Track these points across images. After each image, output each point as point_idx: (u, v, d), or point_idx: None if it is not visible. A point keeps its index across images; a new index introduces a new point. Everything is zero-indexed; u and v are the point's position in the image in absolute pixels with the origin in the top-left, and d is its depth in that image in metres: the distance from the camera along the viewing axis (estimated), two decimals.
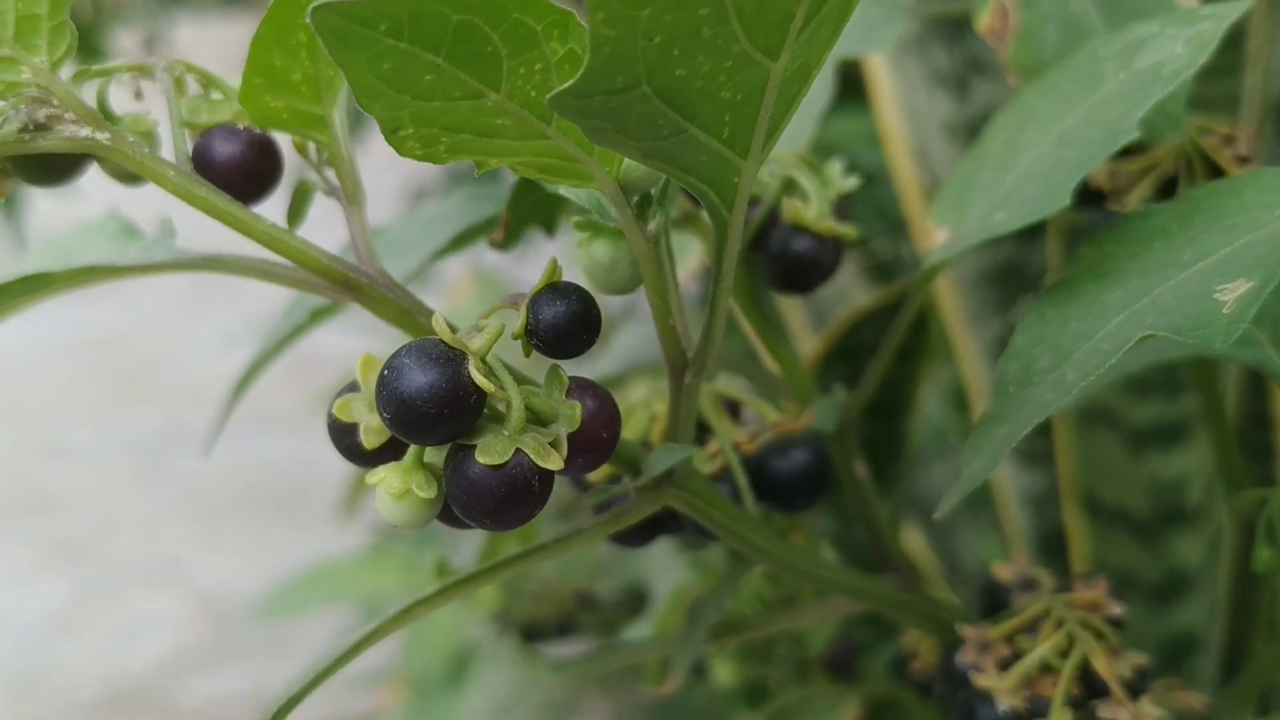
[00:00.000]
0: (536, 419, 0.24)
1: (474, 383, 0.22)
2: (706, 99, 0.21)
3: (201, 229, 0.29)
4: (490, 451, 0.23)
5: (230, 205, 0.24)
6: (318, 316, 0.33)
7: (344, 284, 0.25)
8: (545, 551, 0.28)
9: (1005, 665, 0.36)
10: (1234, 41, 0.55)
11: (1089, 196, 0.45)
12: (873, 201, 0.93)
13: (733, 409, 0.35)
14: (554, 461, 0.23)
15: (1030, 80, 0.37)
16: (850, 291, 0.79)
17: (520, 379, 0.24)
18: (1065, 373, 0.27)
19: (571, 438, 0.24)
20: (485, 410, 0.23)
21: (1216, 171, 0.44)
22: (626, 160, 0.24)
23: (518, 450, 0.23)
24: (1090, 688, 0.36)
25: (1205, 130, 0.44)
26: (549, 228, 0.33)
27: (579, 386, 0.24)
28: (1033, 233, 0.64)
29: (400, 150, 0.22)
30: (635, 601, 0.74)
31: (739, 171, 0.23)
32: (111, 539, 1.69)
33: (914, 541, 0.82)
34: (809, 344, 0.71)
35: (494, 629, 0.73)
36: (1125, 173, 0.44)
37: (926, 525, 0.85)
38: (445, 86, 0.20)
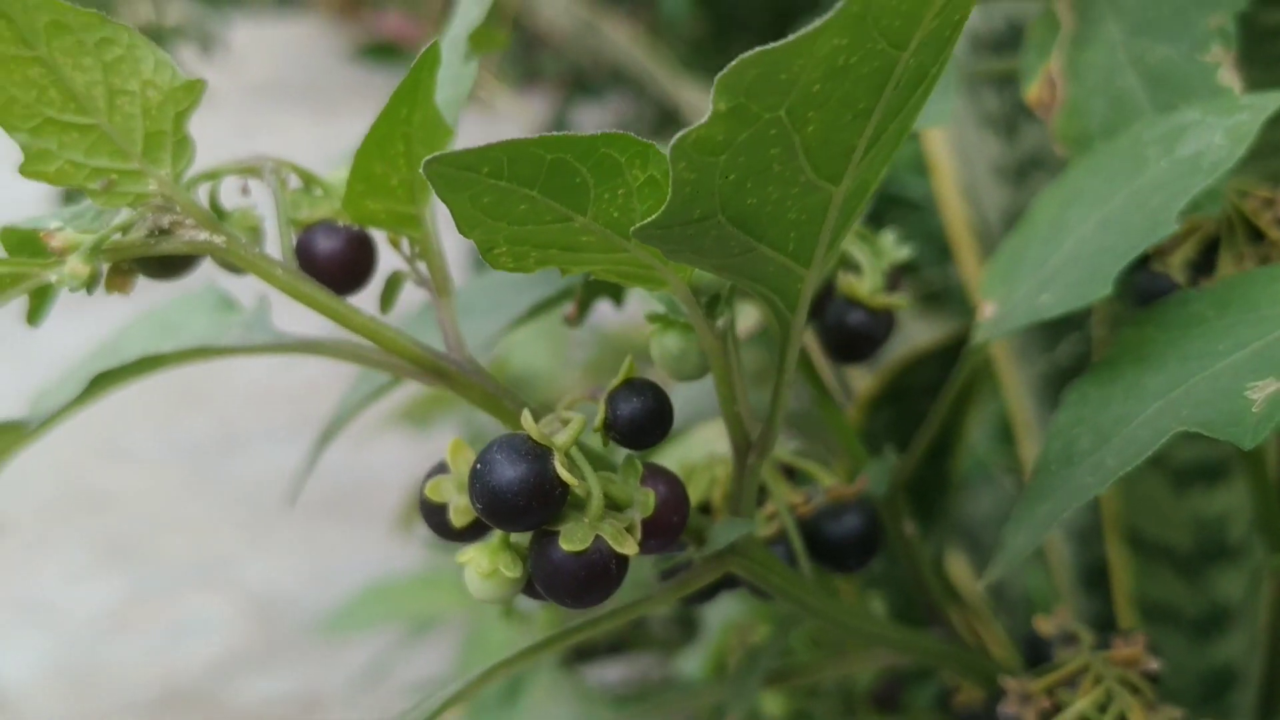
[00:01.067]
0: (613, 505, 0.26)
1: (559, 477, 0.24)
2: (774, 221, 0.23)
3: (291, 301, 0.32)
4: (573, 539, 0.25)
5: (332, 300, 0.26)
6: (380, 391, 0.36)
7: (434, 371, 0.27)
8: (616, 616, 0.30)
9: (1045, 717, 0.38)
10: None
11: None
12: (922, 228, 0.95)
13: (788, 470, 0.37)
14: (629, 547, 0.25)
15: (1078, 156, 0.38)
16: (903, 322, 0.80)
17: (598, 464, 0.26)
18: (1105, 457, 0.29)
19: (645, 522, 0.26)
20: (570, 499, 0.25)
21: (1257, 234, 0.45)
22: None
23: (597, 537, 0.25)
24: None
25: (1245, 193, 0.45)
26: (617, 299, 0.35)
27: (652, 474, 0.26)
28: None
29: (494, 265, 0.24)
30: (686, 625, 0.76)
31: (803, 279, 0.25)
32: (165, 540, 1.72)
33: (959, 570, 0.83)
34: (863, 382, 0.72)
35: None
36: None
37: (972, 554, 0.86)
38: (538, 213, 0.22)
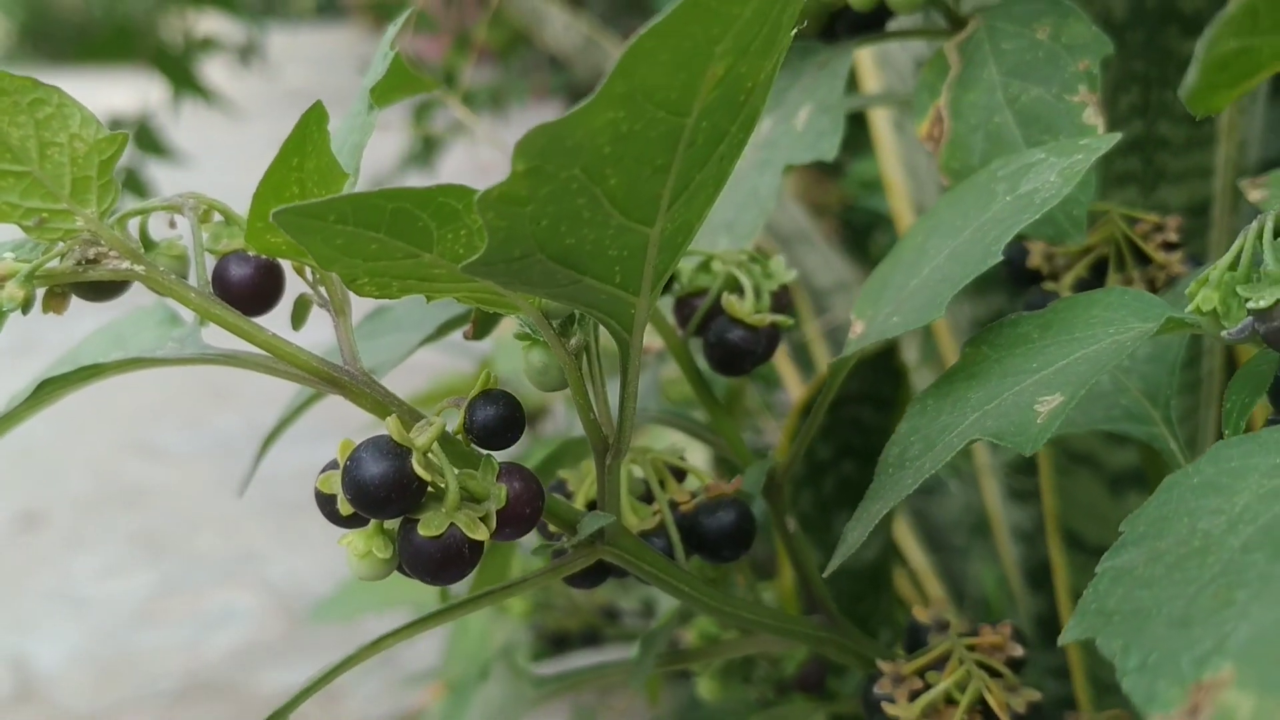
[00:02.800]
0: (471, 497, 0.30)
1: (415, 473, 0.28)
2: (596, 258, 0.27)
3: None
4: (429, 525, 0.29)
5: (239, 320, 0.31)
6: (307, 403, 0.40)
7: (330, 380, 0.32)
8: (509, 591, 0.34)
9: (916, 697, 0.41)
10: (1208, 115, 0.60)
11: (1029, 276, 0.50)
12: (891, 240, 0.99)
13: (679, 475, 0.41)
14: (481, 533, 0.29)
15: (953, 187, 0.42)
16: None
17: (465, 460, 0.30)
18: (925, 461, 0.33)
19: (500, 513, 0.30)
20: (431, 489, 0.30)
21: (1143, 257, 0.49)
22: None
23: (451, 525, 0.29)
24: (991, 717, 0.42)
25: (1135, 219, 0.49)
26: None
27: (508, 471, 0.30)
28: (1024, 282, 0.69)
29: (359, 293, 0.28)
30: (653, 615, 0.80)
31: (634, 305, 0.29)
32: (194, 535, 1.78)
33: (921, 565, 0.87)
34: (798, 392, 0.76)
35: (525, 637, 0.80)
36: (1061, 255, 0.49)
37: (935, 552, 0.90)
38: (388, 251, 0.26)
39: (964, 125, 0.44)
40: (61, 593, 1.65)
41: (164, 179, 1.57)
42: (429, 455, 0.29)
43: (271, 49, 2.31)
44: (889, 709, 0.40)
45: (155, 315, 0.37)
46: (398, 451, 0.28)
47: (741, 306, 0.39)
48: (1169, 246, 0.49)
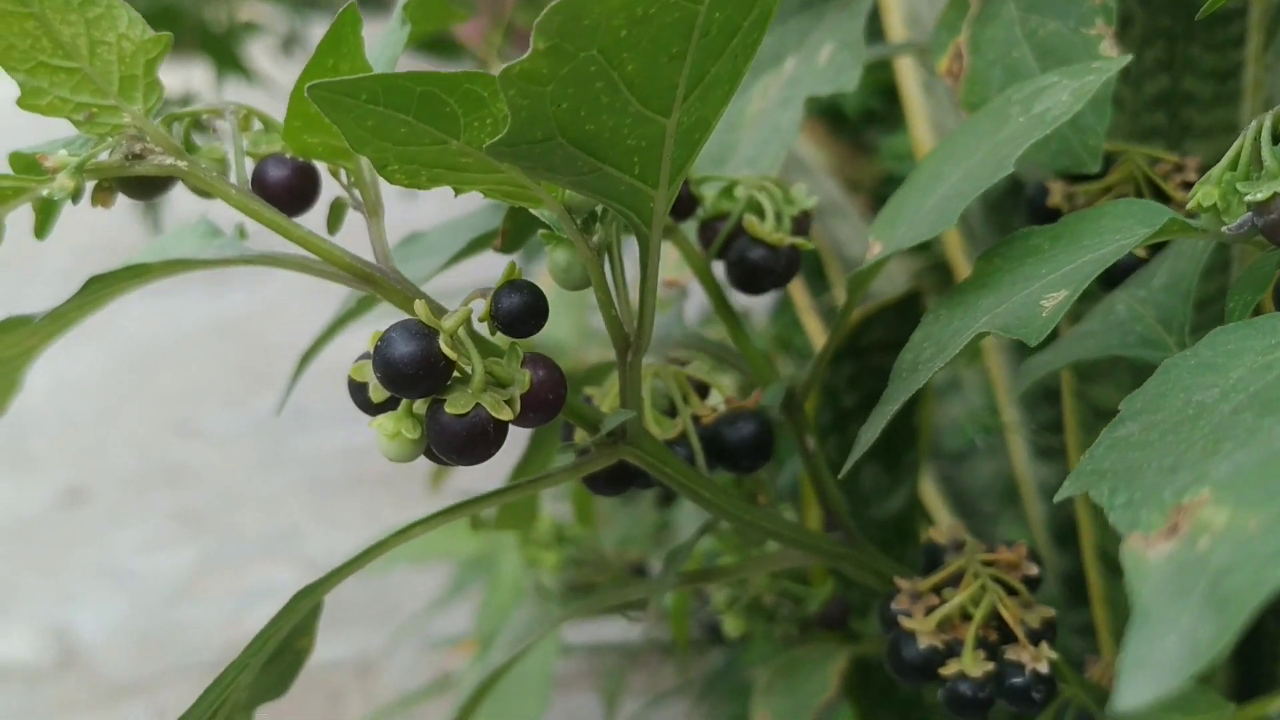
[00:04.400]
0: (497, 383, 0.31)
1: (442, 352, 0.30)
2: (614, 146, 0.29)
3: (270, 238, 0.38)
4: (456, 404, 0.30)
5: (276, 215, 0.32)
6: (363, 303, 0.42)
7: (363, 277, 0.33)
8: (535, 484, 0.35)
9: (932, 613, 0.42)
10: (1234, 71, 0.61)
11: (1049, 216, 0.51)
12: None
13: (703, 391, 0.42)
14: (506, 414, 0.31)
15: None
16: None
17: (488, 351, 0.32)
18: (937, 360, 0.34)
19: (524, 397, 0.31)
20: (458, 374, 0.31)
21: (1163, 197, 0.50)
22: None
23: (477, 405, 0.30)
24: (1006, 637, 0.43)
25: (1155, 159, 0.50)
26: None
27: (532, 359, 0.32)
28: (1044, 223, 0.70)
29: (390, 180, 0.29)
30: None
31: (653, 199, 0.30)
32: (234, 512, 1.81)
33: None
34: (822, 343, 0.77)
35: (555, 588, 0.81)
36: (1082, 194, 0.50)
37: (964, 518, 0.91)
38: (417, 136, 0.28)
39: (982, 60, 0.45)
40: (104, 567, 1.68)
41: None
42: (456, 337, 0.30)
43: (313, 38, 2.34)
44: (905, 622, 0.42)
45: (197, 229, 0.39)
46: (426, 332, 0.30)
47: (762, 226, 0.40)
48: (1188, 186, 0.50)
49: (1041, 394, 0.74)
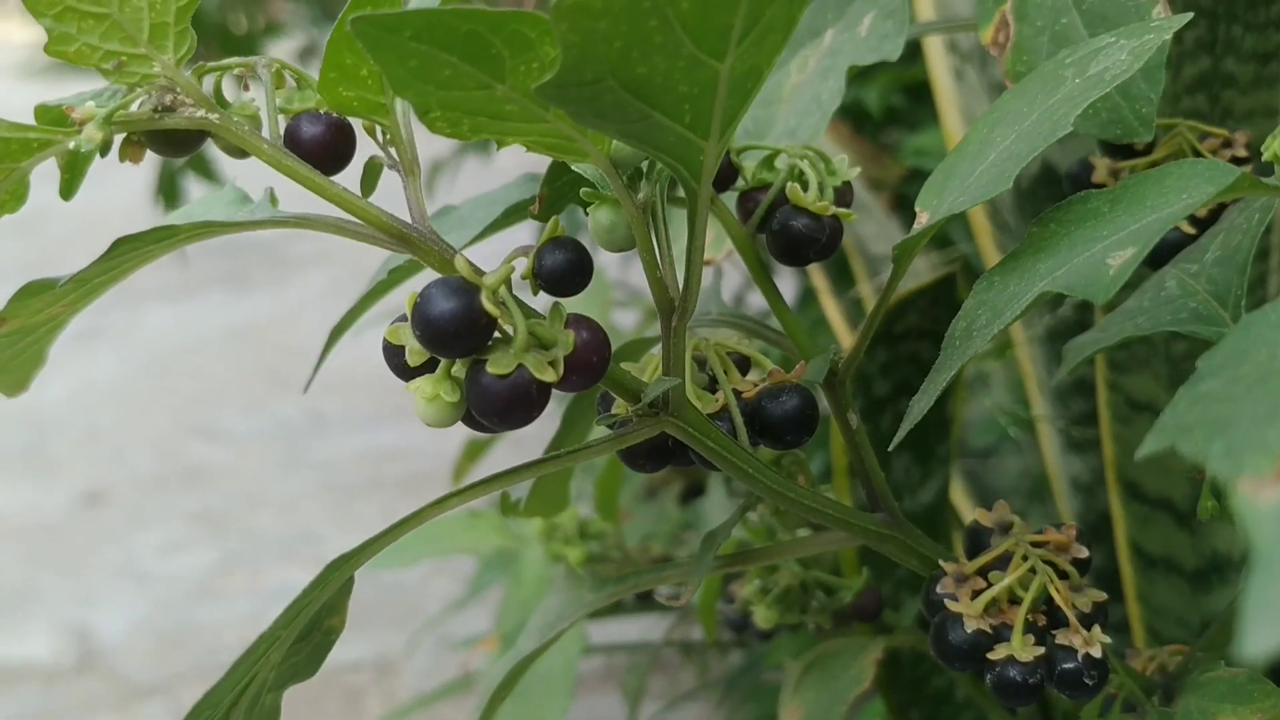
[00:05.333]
0: (540, 344, 0.30)
1: (484, 309, 0.29)
2: (666, 91, 0.27)
3: (301, 202, 0.36)
4: (498, 364, 0.29)
5: (310, 172, 0.31)
6: (395, 274, 0.40)
7: (399, 238, 0.32)
8: (574, 456, 0.34)
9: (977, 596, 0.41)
10: (1275, 53, 0.59)
11: None
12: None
13: (744, 366, 0.41)
14: (549, 375, 0.29)
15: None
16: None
17: (530, 314, 0.31)
18: (993, 326, 0.33)
19: (567, 359, 0.30)
20: (499, 335, 0.30)
21: None
22: (615, 141, 0.30)
23: (520, 365, 0.29)
24: (1055, 621, 0.41)
25: (1204, 133, 0.49)
26: (584, 205, 0.40)
27: (576, 320, 0.31)
28: None
29: (432, 128, 0.28)
30: None
31: (702, 151, 0.29)
32: (253, 514, 1.80)
33: None
34: (848, 340, 0.76)
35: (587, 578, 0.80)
36: (1126, 169, 0.49)
37: None
38: (460, 79, 0.27)
39: (1029, 28, 0.44)
40: (124, 568, 1.68)
41: (228, 173, 1.59)
42: (497, 294, 0.29)
43: None
44: (951, 605, 0.40)
45: (227, 195, 0.38)
46: (467, 288, 0.29)
47: (805, 195, 0.39)
48: (1238, 161, 0.48)
49: (1074, 386, 0.73)
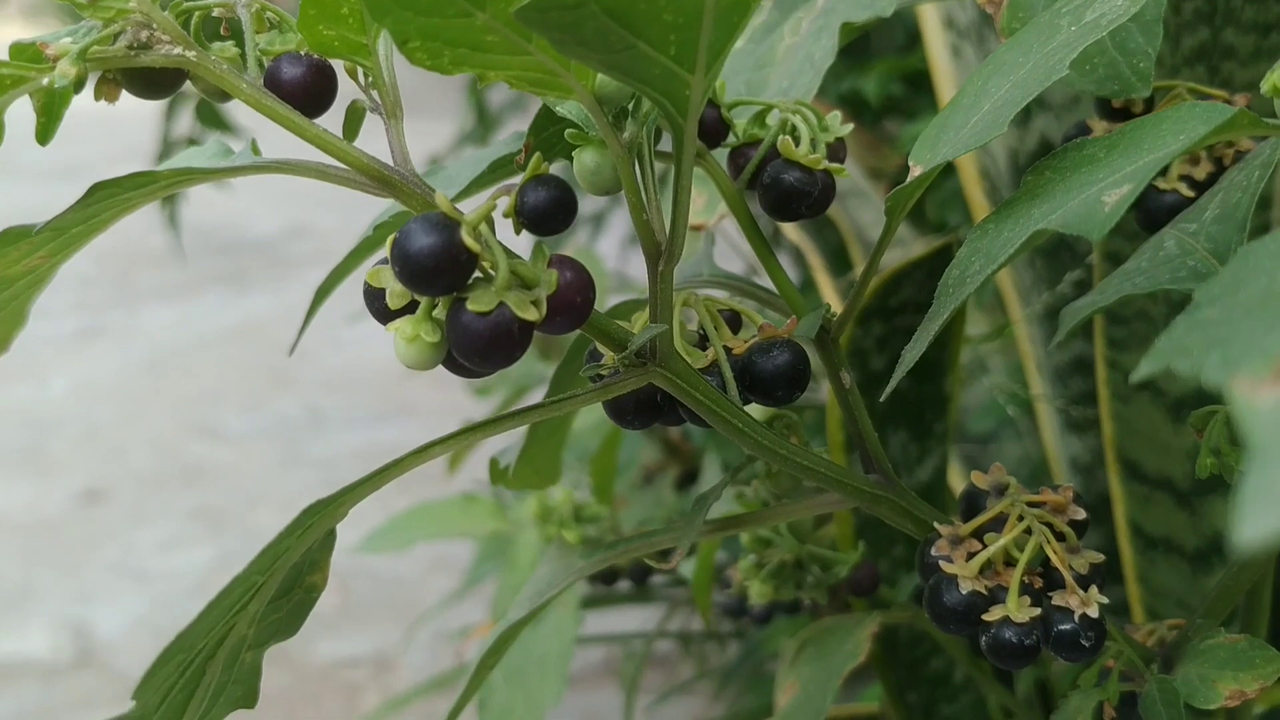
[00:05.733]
0: (523, 284, 0.29)
1: (465, 244, 0.28)
2: (650, 20, 0.27)
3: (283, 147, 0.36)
4: (479, 301, 0.28)
5: (290, 113, 0.31)
6: (381, 230, 0.40)
7: (381, 180, 0.31)
8: (554, 406, 0.33)
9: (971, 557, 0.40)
10: (1275, 24, 0.59)
11: None
12: (953, 191, 0.98)
13: (734, 325, 0.40)
14: (531, 314, 0.29)
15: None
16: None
17: (513, 258, 0.30)
18: (987, 271, 0.32)
19: (550, 299, 0.29)
20: (480, 275, 0.29)
21: None
22: (600, 76, 0.29)
23: (501, 303, 0.29)
24: (1051, 581, 0.41)
25: (1204, 94, 0.48)
26: (569, 157, 0.39)
27: (560, 260, 0.30)
28: None
29: (412, 59, 0.28)
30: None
31: (688, 85, 0.29)
32: (252, 512, 1.80)
33: None
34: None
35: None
36: None
37: None
38: (440, 6, 0.26)
39: None
40: (123, 565, 1.67)
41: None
42: (478, 230, 0.28)
43: None
44: (946, 566, 0.40)
45: (210, 149, 0.37)
46: (447, 224, 0.28)
47: (797, 149, 0.39)
48: None
49: (1072, 365, 0.72)
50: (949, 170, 1.00)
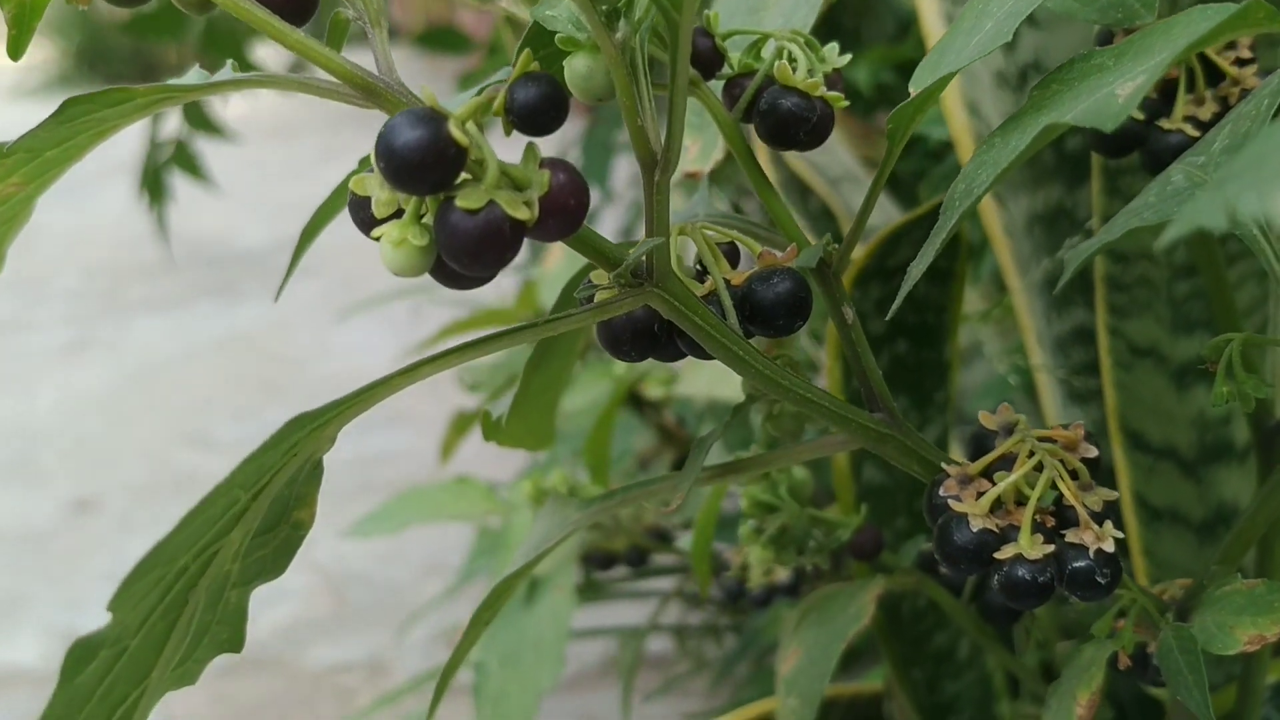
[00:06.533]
0: (514, 185, 0.28)
1: (453, 138, 0.27)
2: None
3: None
4: (468, 199, 0.27)
5: (269, 16, 0.29)
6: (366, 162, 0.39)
7: (365, 89, 0.30)
8: (546, 326, 0.32)
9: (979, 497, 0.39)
10: None
11: None
12: (944, 176, 0.97)
13: (734, 259, 0.39)
14: (523, 213, 0.28)
15: None
16: None
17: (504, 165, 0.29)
18: (994, 179, 0.31)
19: (542, 201, 0.28)
20: (469, 175, 0.28)
21: (1217, 73, 0.47)
22: None
23: (491, 201, 0.27)
24: (1064, 521, 0.39)
25: None
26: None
27: (552, 162, 0.29)
28: (1081, 177, 0.67)
29: None
30: None
31: None
32: None
33: None
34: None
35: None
36: None
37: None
38: None
39: None
40: (113, 574, 1.64)
41: (215, 180, 1.57)
42: (466, 126, 0.27)
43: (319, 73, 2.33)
44: (955, 506, 0.38)
45: (192, 74, 0.36)
46: (434, 117, 0.27)
47: (794, 75, 0.38)
48: (1242, 63, 0.47)
49: (1073, 335, 0.71)
50: (946, 150, 0.99)
